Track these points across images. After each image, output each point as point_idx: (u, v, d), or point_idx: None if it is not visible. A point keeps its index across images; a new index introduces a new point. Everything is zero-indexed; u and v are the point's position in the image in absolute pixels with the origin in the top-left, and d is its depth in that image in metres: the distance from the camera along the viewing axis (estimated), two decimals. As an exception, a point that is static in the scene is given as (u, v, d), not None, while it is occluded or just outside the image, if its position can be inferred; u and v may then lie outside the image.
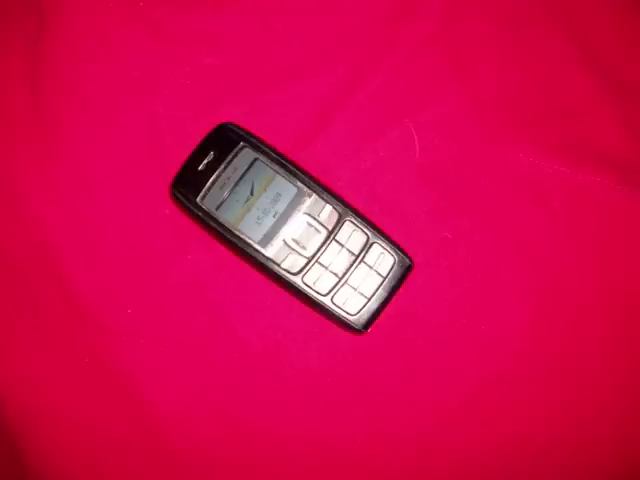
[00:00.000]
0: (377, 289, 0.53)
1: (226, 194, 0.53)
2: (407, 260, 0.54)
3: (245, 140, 0.54)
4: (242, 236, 0.53)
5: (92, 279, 0.57)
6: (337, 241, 0.53)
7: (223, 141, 0.54)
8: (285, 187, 0.53)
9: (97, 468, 0.57)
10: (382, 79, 0.59)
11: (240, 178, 0.53)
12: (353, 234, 0.53)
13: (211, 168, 0.53)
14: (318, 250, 0.53)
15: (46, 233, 0.58)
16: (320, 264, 0.53)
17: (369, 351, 0.56)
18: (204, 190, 0.53)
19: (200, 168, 0.53)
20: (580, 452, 0.57)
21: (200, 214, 0.53)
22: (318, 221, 0.53)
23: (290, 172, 0.53)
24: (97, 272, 0.57)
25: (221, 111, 0.58)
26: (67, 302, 0.57)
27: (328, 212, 0.53)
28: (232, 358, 0.57)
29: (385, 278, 0.53)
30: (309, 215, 0.53)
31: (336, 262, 0.53)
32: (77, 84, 0.59)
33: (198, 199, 0.53)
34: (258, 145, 0.54)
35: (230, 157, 0.53)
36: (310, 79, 0.59)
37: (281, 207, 0.53)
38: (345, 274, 0.53)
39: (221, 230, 0.53)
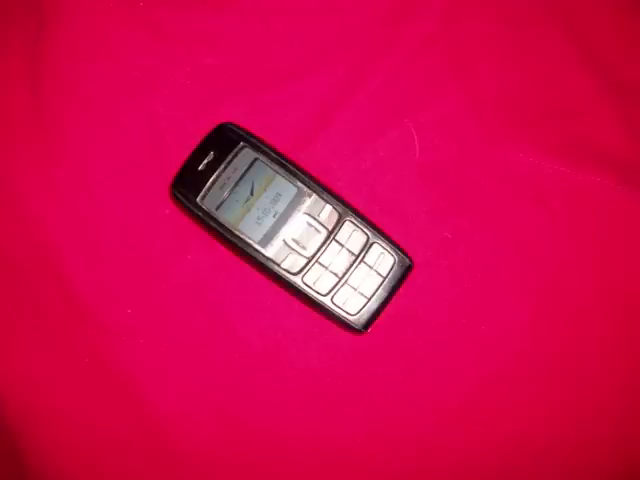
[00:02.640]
0: (377, 289, 0.53)
1: (226, 194, 0.53)
2: (407, 260, 0.54)
3: (245, 140, 0.54)
4: (242, 236, 0.53)
5: (92, 279, 0.57)
6: (337, 241, 0.53)
7: (223, 141, 0.54)
8: (285, 187, 0.53)
9: (97, 468, 0.57)
10: (382, 79, 0.59)
11: (240, 178, 0.53)
12: (353, 234, 0.53)
13: (211, 168, 0.53)
14: (318, 250, 0.53)
15: (46, 233, 0.58)
16: (320, 264, 0.53)
17: (369, 351, 0.56)
18: (204, 190, 0.53)
19: (200, 168, 0.53)
20: (580, 452, 0.57)
21: (200, 214, 0.53)
22: (318, 221, 0.53)
23: (290, 172, 0.53)
24: (97, 272, 0.57)
25: (221, 111, 0.58)
26: (67, 302, 0.57)
27: (328, 212, 0.53)
28: (232, 358, 0.57)
29: (385, 278, 0.53)
30: (309, 215, 0.53)
31: (336, 262, 0.53)
32: (77, 84, 0.59)
33: (198, 199, 0.53)
34: (258, 145, 0.54)
35: (230, 157, 0.53)
36: (310, 79, 0.59)
37: (281, 207, 0.53)
38: (345, 274, 0.53)
39: (221, 230, 0.53)
